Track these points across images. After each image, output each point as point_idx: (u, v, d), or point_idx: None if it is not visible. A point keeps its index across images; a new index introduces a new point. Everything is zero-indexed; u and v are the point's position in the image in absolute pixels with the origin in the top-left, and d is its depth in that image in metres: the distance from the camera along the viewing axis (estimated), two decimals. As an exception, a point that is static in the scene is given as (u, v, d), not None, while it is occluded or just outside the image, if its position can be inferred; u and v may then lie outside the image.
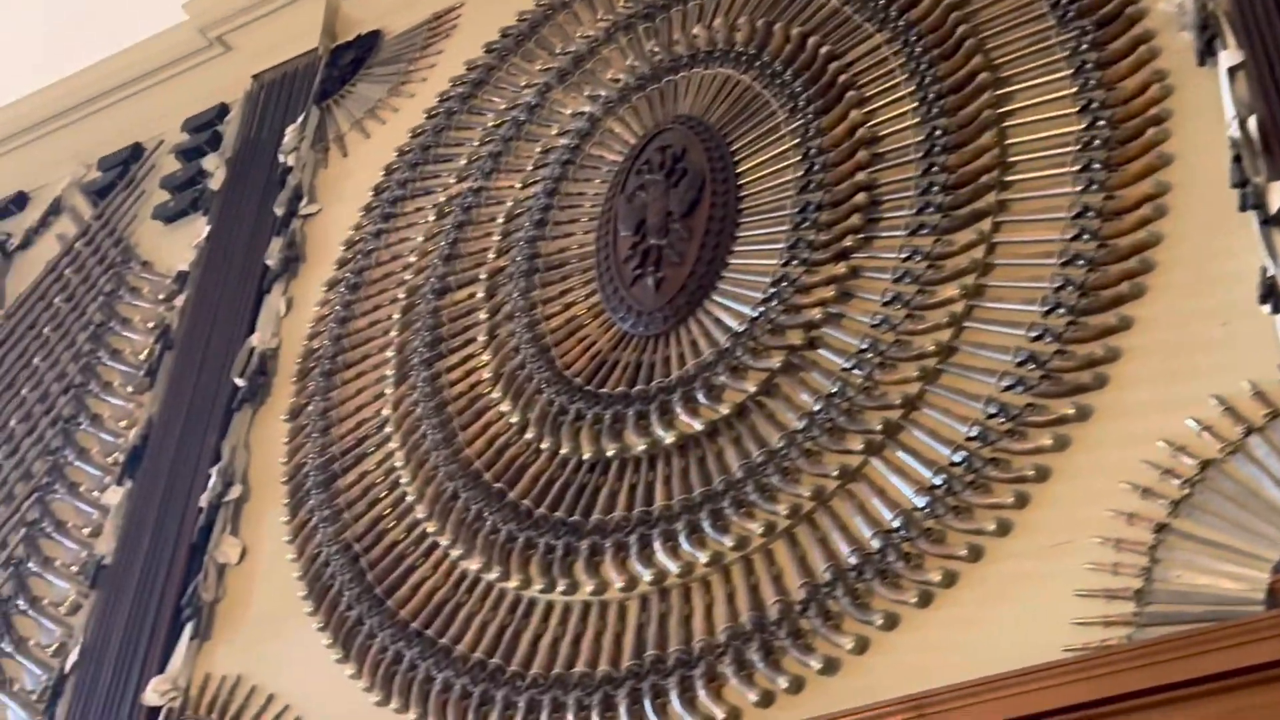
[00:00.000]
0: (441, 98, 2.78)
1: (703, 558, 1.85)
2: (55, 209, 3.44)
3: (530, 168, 2.49)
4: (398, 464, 2.29)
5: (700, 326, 2.06)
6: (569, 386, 2.15)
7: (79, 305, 3.11)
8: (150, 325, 2.93)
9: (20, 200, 3.54)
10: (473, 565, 2.07)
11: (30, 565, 2.64)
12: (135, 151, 3.38)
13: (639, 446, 2.00)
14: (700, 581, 1.84)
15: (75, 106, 3.51)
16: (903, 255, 1.90)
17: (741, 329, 2.00)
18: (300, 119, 2.96)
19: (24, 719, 2.41)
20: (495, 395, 2.24)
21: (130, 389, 2.83)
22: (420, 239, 2.59)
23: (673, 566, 1.86)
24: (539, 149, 2.51)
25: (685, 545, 1.87)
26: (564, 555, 1.98)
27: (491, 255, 2.44)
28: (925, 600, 1.64)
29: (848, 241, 1.97)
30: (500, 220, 2.47)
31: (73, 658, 2.38)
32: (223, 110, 3.21)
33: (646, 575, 1.88)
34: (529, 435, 2.14)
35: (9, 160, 3.64)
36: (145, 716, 2.22)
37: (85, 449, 2.79)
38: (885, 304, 1.87)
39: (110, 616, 2.41)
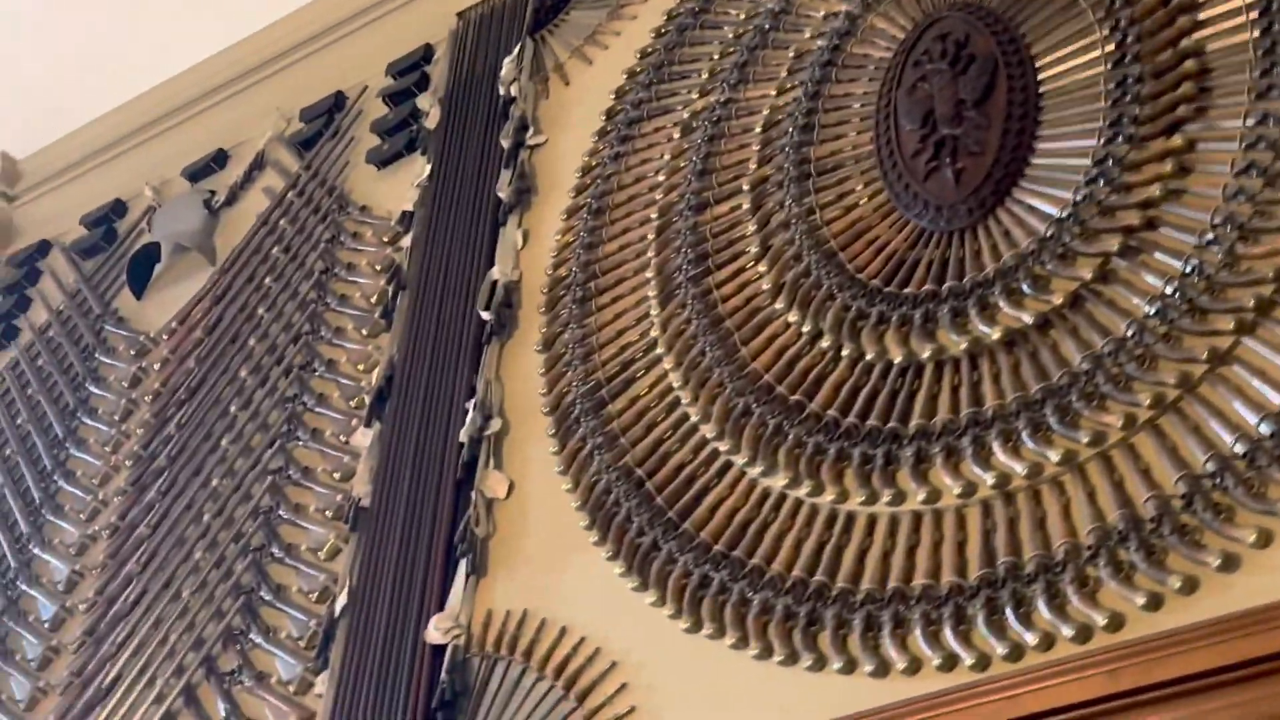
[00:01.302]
0: (670, 15, 2.66)
1: (1053, 456, 1.70)
2: (258, 164, 3.39)
3: (785, 74, 2.36)
4: (675, 385, 2.18)
5: (1012, 216, 1.92)
6: (865, 290, 2.01)
7: (297, 255, 3.05)
8: (377, 268, 2.86)
9: (220, 158, 3.50)
10: (777, 482, 1.95)
11: (280, 513, 2.58)
12: (338, 100, 3.32)
13: (958, 346, 1.87)
14: (1051, 482, 1.70)
15: (271, 60, 3.47)
16: (1250, 121, 1.73)
17: (1065, 214, 1.85)
18: (516, 50, 2.86)
19: (294, 665, 2.34)
20: (779, 306, 2.11)
21: (364, 332, 2.76)
22: (666, 157, 2.47)
23: (1018, 468, 1.72)
24: (791, 54, 2.37)
25: (1030, 445, 1.73)
26: (885, 464, 1.85)
27: (753, 165, 2.32)
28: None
29: (1180, 112, 1.81)
30: (757, 130, 2.34)
31: (341, 601, 2.31)
32: (428, 51, 3.13)
33: (988, 479, 1.74)
34: (824, 344, 2.02)
35: (207, 119, 3.61)
36: (429, 654, 2.15)
37: (324, 395, 2.73)
38: (1238, 174, 1.71)
39: (377, 558, 2.33)
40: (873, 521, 1.83)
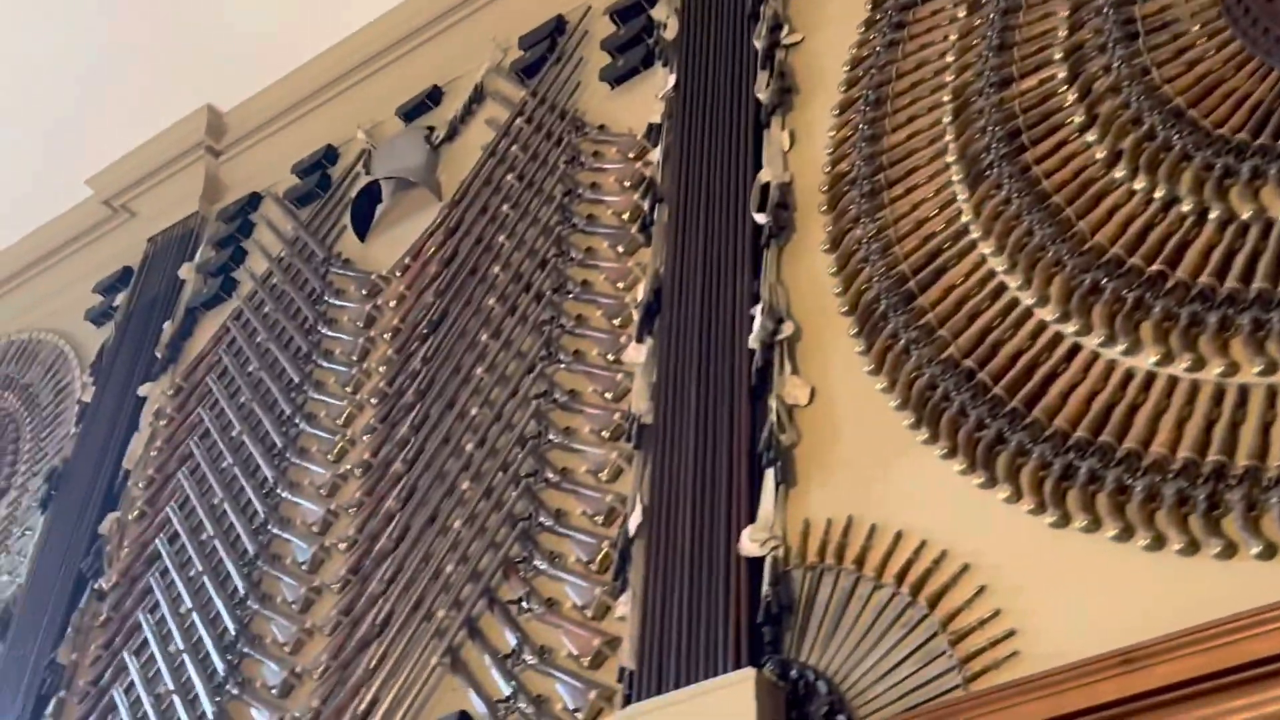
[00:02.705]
0: (933, -106, 2.48)
1: None
2: (478, 96, 3.29)
3: (1087, -66, 2.18)
4: (997, 269, 2.00)
5: (1404, 49, 1.72)
6: (1229, 146, 1.82)
7: (534, 182, 2.93)
8: (626, 184, 2.73)
9: (435, 95, 3.41)
10: (1143, 360, 1.77)
11: (550, 438, 2.46)
12: (559, 24, 3.20)
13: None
14: None
15: (486, -10, 3.38)
16: None
17: None
18: (761, -50, 2.71)
19: (586, 589, 2.22)
20: (1118, 175, 1.93)
21: (620, 249, 2.63)
22: (953, 38, 2.30)
23: None
24: (1091, -88, 2.19)
25: None
26: (1282, 329, 1.66)
27: (1062, 34, 2.13)
28: None
29: None
30: (1062, -5, 2.16)
31: (635, 521, 2.18)
32: (657, -36, 3.00)
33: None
34: (1184, 208, 1.83)
35: (417, 57, 3.52)
36: (745, 567, 2.00)
37: (582, 316, 2.60)
38: None
39: (670, 474, 2.19)
40: (1274, 393, 1.64)
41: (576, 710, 2.11)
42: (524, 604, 2.29)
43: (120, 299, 3.89)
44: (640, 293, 2.50)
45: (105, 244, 4.10)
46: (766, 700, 1.83)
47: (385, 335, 3.00)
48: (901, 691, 1.76)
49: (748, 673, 1.86)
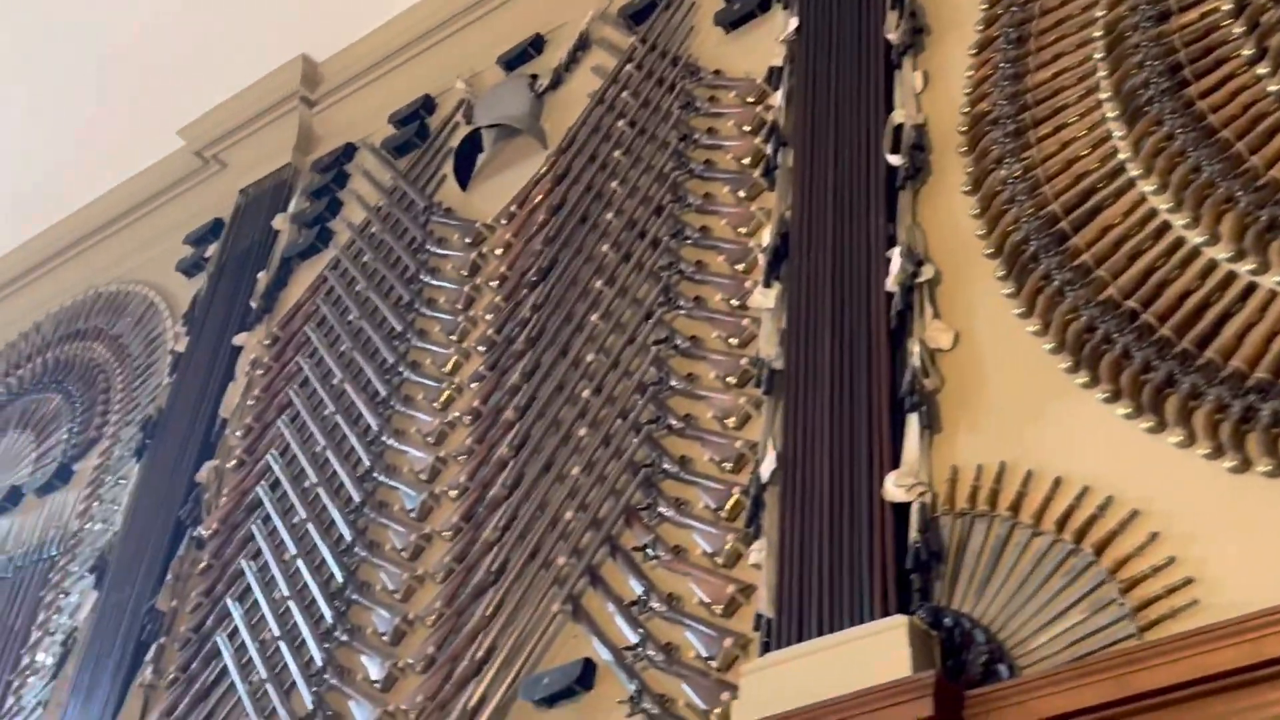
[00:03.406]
0: None
1: None
2: (583, 44, 3.22)
3: None
4: (1160, 207, 1.92)
5: None
6: None
7: (646, 128, 2.86)
8: (745, 129, 2.66)
9: (537, 43, 3.35)
10: (1328, 301, 1.69)
11: (671, 384, 2.40)
12: (668, -32, 3.14)
13: None
14: None
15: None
16: None
17: None
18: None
19: (716, 536, 2.16)
20: (1294, 109, 1.85)
21: (741, 194, 2.57)
22: (1102, -27, 2.22)
23: None
24: None
25: None
26: None
27: (1224, -35, 2.05)
28: None
29: None
30: (1222, -73, 2.07)
31: (768, 467, 2.12)
32: (772, -95, 2.91)
33: None
34: (1376, 139, 1.75)
35: (518, 6, 3.45)
36: (890, 513, 1.94)
37: (702, 262, 2.54)
38: None
39: (805, 420, 2.12)
40: None
41: (710, 658, 2.05)
42: (649, 551, 2.23)
43: (212, 250, 3.86)
44: (765, 237, 2.43)
45: (196, 195, 4.07)
46: (920, 648, 1.77)
47: (491, 283, 2.95)
48: (1068, 641, 1.69)
49: (899, 620, 1.80)
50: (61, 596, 3.41)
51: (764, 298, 2.34)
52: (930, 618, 1.81)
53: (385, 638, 2.54)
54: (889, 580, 1.87)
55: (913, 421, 2.01)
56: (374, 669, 2.51)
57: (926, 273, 2.14)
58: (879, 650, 1.78)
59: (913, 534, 1.89)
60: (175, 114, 3.99)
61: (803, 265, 2.32)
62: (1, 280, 4.54)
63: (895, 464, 1.98)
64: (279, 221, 3.66)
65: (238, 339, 3.48)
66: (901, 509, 1.94)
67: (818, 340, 2.20)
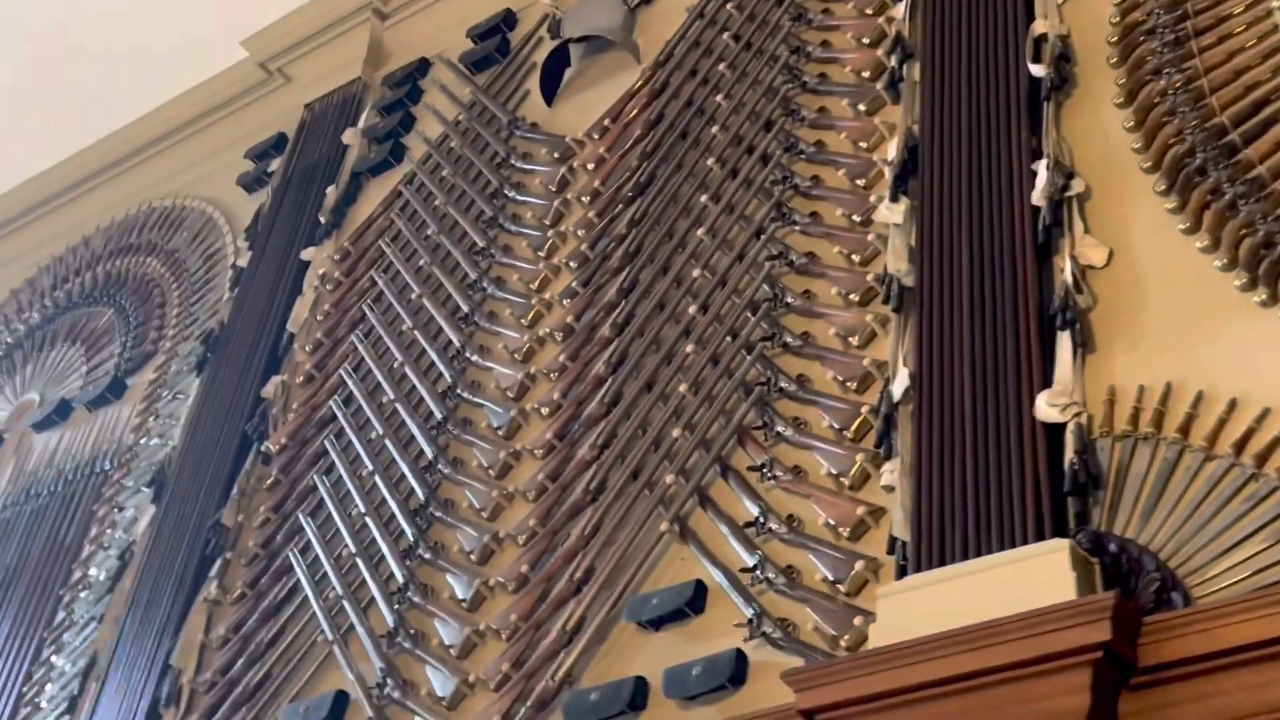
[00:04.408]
0: None
1: None
2: (679, -41, 3.10)
3: None
4: (1344, 119, 1.81)
5: None
6: None
7: (751, 43, 2.73)
8: (866, 41, 2.53)
9: (627, -43, 3.23)
10: None
11: (788, 301, 2.28)
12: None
13: None
14: None
15: None
16: None
17: None
18: None
19: (842, 456, 2.03)
20: None
21: (862, 108, 2.44)
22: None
23: None
24: None
25: None
26: None
27: None
28: None
29: None
30: None
31: (900, 385, 2.00)
32: None
33: None
34: None
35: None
36: (1042, 433, 1.82)
37: (818, 177, 2.42)
38: None
39: (942, 337, 2.01)
40: None
41: (837, 582, 1.94)
42: (766, 472, 2.13)
43: (275, 165, 3.74)
44: (889, 152, 2.31)
45: (258, 109, 3.94)
46: (1083, 573, 1.66)
47: (583, 198, 2.83)
48: (1250, 570, 1.58)
49: (1060, 543, 1.69)
50: (116, 511, 3.31)
51: (891, 213, 2.22)
52: (1090, 542, 1.70)
53: (472, 556, 2.44)
54: (1044, 503, 1.76)
55: (1064, 340, 1.89)
56: (460, 587, 2.40)
57: (1077, 186, 2.03)
58: (1039, 574, 1.67)
59: (1069, 456, 1.78)
60: (239, 25, 3.87)
61: (934, 179, 2.19)
62: (49, 192, 4.43)
63: (1045, 384, 1.87)
64: (349, 136, 3.54)
65: (305, 254, 3.36)
66: (1054, 430, 1.83)
67: (954, 256, 2.08)
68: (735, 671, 1.95)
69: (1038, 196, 2.03)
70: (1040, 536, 1.73)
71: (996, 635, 1.60)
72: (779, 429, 2.16)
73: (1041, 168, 2.05)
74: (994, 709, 1.59)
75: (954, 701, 1.63)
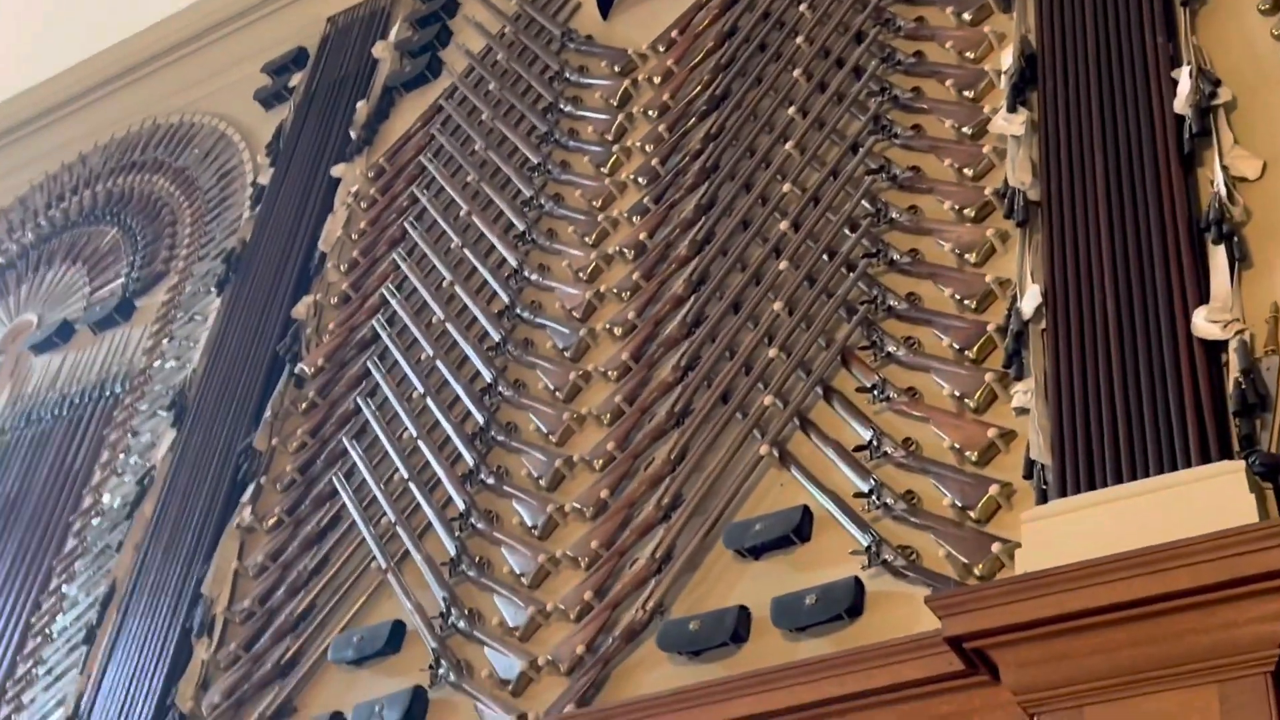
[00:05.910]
0: None
1: None
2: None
3: None
4: None
5: None
6: None
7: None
8: (965, -47, 2.41)
9: None
10: None
11: (893, 216, 2.14)
12: None
13: None
14: None
15: None
16: None
17: None
18: None
19: (964, 377, 1.91)
20: None
21: (967, 16, 2.29)
22: None
23: None
24: None
25: None
26: None
27: None
28: None
29: None
30: None
31: (1030, 302, 1.87)
32: None
33: None
34: None
35: None
36: (1200, 351, 1.71)
37: (919, 90, 2.28)
38: None
39: (1076, 252, 1.86)
40: None
41: (966, 508, 1.82)
42: (877, 393, 2.00)
43: (296, 80, 3.55)
44: (1002, 61, 2.18)
45: (273, 23, 3.75)
46: (1259, 496, 1.54)
47: (650, 113, 2.67)
48: None
49: (1236, 464, 1.57)
50: (130, 435, 3.13)
51: (1009, 124, 2.09)
52: (1264, 465, 1.58)
53: (542, 481, 2.29)
54: (1207, 423, 1.64)
55: (1219, 254, 1.77)
56: (528, 514, 2.26)
57: (1224, 95, 1.90)
58: (1211, 498, 1.55)
59: (1233, 375, 1.66)
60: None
61: (1057, 89, 2.06)
62: (43, 107, 4.20)
63: (1201, 299, 1.75)
64: (379, 49, 3.36)
65: (335, 170, 3.19)
66: (1212, 348, 1.71)
67: (1086, 168, 1.95)
68: (854, 601, 1.83)
69: (1181, 105, 1.90)
70: (1205, 459, 1.62)
71: (1179, 558, 1.47)
72: (889, 349, 2.03)
73: (1184, 75, 1.93)
74: (1173, 637, 1.48)
75: (1122, 630, 1.51)
